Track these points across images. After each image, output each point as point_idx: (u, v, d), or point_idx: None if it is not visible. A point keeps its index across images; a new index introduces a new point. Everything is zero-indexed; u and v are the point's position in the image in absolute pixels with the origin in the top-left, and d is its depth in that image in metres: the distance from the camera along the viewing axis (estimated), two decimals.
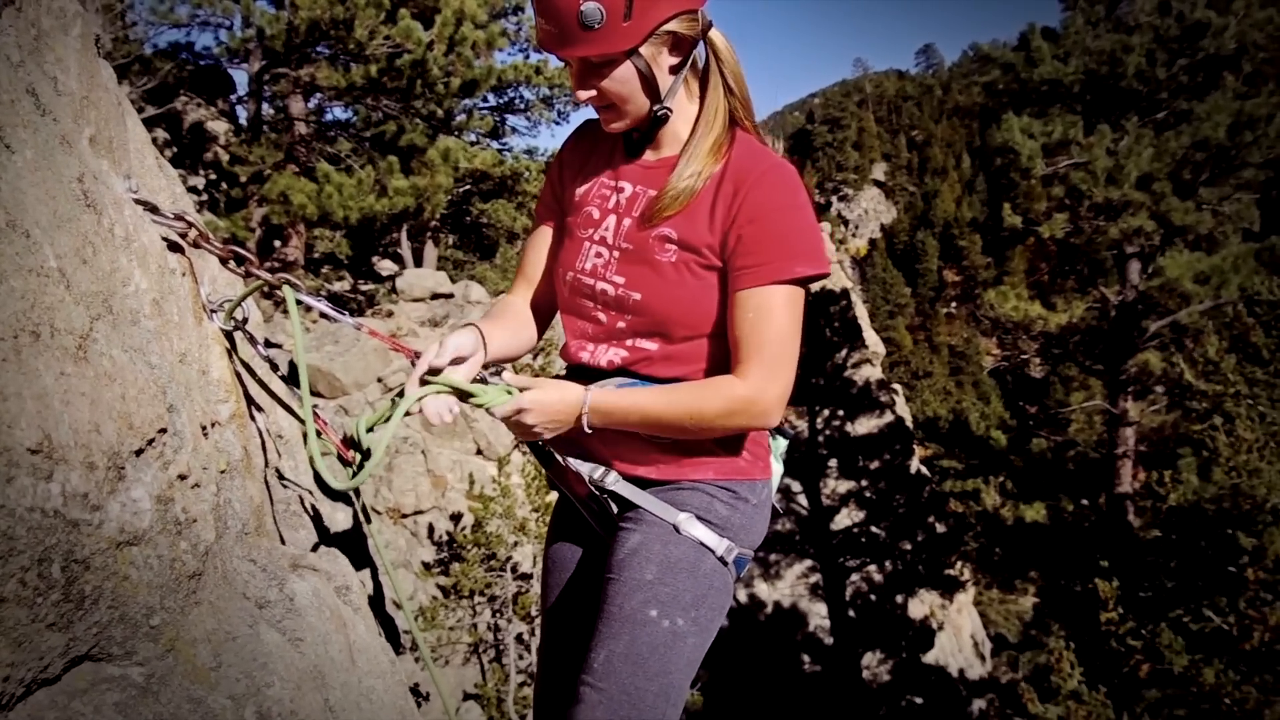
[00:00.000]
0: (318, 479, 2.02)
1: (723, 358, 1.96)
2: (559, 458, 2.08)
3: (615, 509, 2.07)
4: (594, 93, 1.91)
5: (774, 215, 1.88)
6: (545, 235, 2.25)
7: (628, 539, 2.00)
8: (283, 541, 2.18)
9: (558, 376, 2.16)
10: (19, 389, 1.24)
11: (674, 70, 1.93)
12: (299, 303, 2.04)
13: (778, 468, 2.26)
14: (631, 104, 1.93)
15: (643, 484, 2.04)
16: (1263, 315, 12.66)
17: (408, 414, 1.92)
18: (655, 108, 1.95)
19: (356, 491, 2.12)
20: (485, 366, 2.04)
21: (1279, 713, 8.60)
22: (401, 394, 2.20)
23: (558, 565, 2.30)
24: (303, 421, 2.49)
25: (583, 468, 2.05)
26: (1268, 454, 9.93)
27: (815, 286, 21.74)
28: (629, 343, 2.01)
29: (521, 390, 1.92)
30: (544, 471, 2.29)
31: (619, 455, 2.04)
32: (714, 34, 1.98)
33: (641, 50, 1.85)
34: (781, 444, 2.28)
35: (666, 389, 1.94)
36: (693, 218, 1.93)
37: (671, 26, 1.85)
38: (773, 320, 1.86)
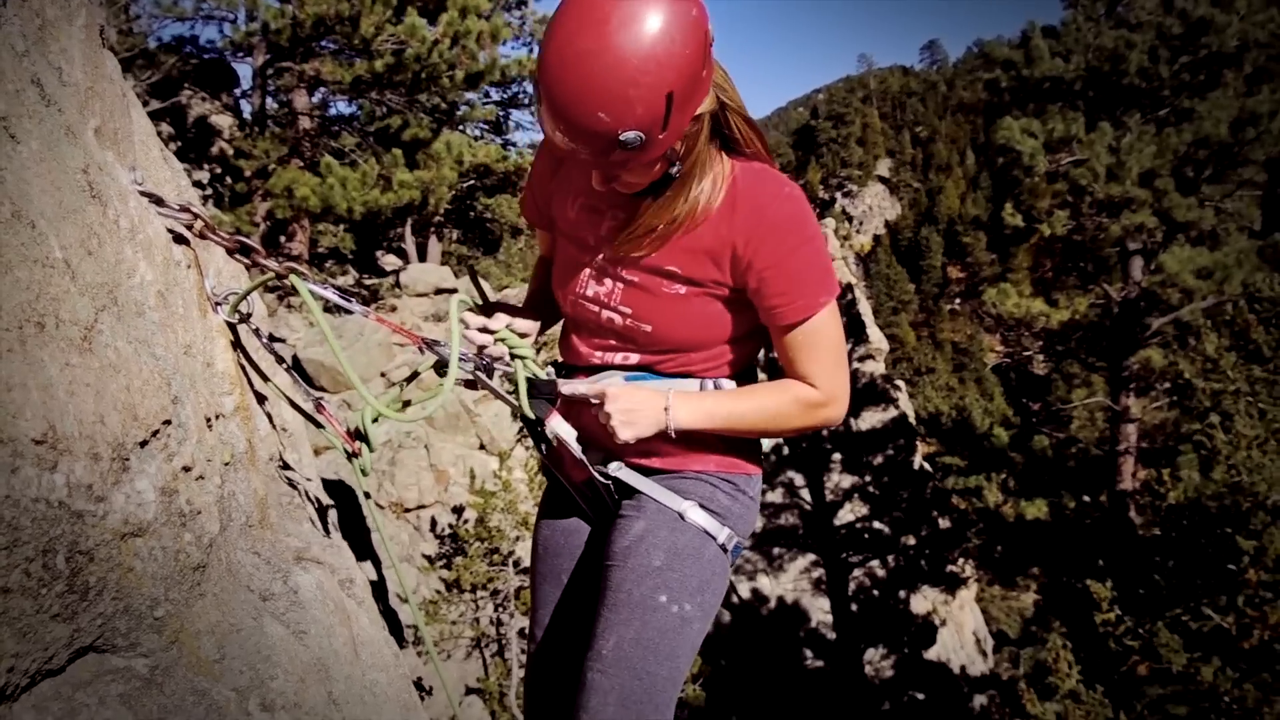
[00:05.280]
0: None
1: (742, 356, 2.04)
2: (561, 440, 2.08)
3: (616, 496, 2.10)
4: (623, 183, 1.85)
5: (793, 256, 1.87)
6: (544, 226, 2.26)
7: (631, 526, 2.02)
8: (294, 534, 2.18)
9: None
10: (24, 379, 1.24)
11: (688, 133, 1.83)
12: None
13: None
14: (651, 177, 1.85)
15: (645, 473, 2.07)
16: (1263, 312, 12.63)
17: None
18: (672, 169, 1.85)
19: (364, 472, 2.12)
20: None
21: (1278, 712, 8.59)
22: (412, 377, 2.21)
23: (549, 551, 2.31)
24: (305, 414, 2.50)
25: (589, 455, 2.07)
26: (1269, 450, 9.91)
27: None
28: (643, 356, 2.05)
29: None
30: (539, 455, 2.28)
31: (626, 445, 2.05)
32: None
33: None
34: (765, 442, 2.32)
35: (744, 392, 2.00)
36: (695, 255, 1.90)
37: (698, 110, 1.77)
38: (821, 340, 1.93)
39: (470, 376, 2.05)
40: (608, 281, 2.01)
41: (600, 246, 2.02)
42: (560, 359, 2.21)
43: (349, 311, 2.15)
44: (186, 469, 1.64)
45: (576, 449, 2.07)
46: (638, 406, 1.91)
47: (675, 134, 1.71)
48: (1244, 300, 13.67)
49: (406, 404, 2.20)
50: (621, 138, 1.63)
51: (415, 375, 2.19)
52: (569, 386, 1.96)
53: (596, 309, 2.03)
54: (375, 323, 2.16)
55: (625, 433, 1.90)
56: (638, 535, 2.00)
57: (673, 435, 1.94)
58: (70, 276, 1.43)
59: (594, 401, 1.94)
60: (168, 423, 1.59)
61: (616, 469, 2.06)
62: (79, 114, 1.67)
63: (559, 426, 2.06)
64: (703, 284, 1.92)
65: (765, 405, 1.97)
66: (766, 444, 2.37)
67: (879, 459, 20.36)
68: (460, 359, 2.03)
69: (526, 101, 21.74)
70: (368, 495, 2.28)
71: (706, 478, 2.06)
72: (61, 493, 1.27)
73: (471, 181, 20.24)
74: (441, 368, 2.05)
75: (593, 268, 2.03)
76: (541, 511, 2.38)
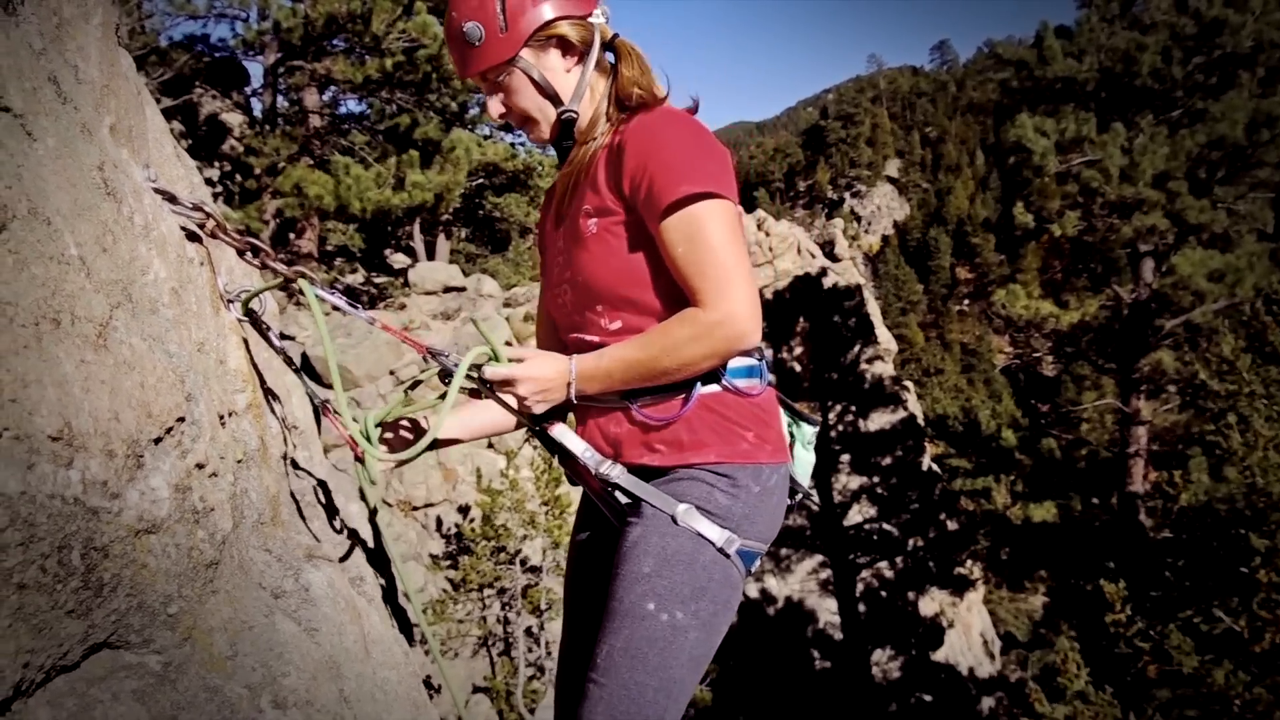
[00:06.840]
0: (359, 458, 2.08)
1: None
2: (568, 448, 2.07)
3: (623, 502, 2.06)
4: (502, 109, 2.07)
5: (662, 144, 1.89)
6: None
7: (630, 533, 1.98)
8: (305, 532, 2.19)
9: None
10: (40, 376, 1.24)
11: (569, 71, 2.04)
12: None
13: (807, 455, 2.27)
14: (537, 111, 2.05)
15: (646, 474, 2.02)
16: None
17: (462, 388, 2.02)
18: (560, 111, 2.04)
19: (372, 480, 2.13)
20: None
21: None
22: (412, 387, 2.22)
23: (578, 560, 2.31)
24: (314, 413, 2.50)
25: (589, 459, 2.05)
26: None
27: (828, 283, 21.72)
28: (599, 334, 2.05)
29: (519, 361, 1.99)
30: (560, 466, 2.31)
31: (623, 445, 2.04)
32: (620, 41, 2.09)
33: (525, 56, 1.98)
34: (809, 431, 2.27)
35: (638, 335, 1.96)
36: (596, 183, 1.99)
37: (555, 31, 1.98)
38: (705, 240, 1.84)
39: (475, 385, 2.04)
40: (561, 258, 2.11)
41: (560, 230, 2.14)
42: None
43: (356, 315, 2.18)
44: (200, 466, 1.64)
45: (577, 449, 2.06)
46: (546, 381, 1.98)
47: (516, 39, 1.96)
48: (1261, 302, 13.60)
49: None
50: (464, 28, 1.96)
51: (418, 383, 2.20)
52: (491, 370, 1.97)
53: (560, 289, 2.11)
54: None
55: (538, 406, 2.00)
56: (632, 542, 1.96)
57: (574, 398, 1.99)
58: (85, 273, 1.43)
59: (508, 387, 1.99)
60: (182, 420, 1.59)
61: (618, 474, 2.01)
62: (95, 111, 1.67)
63: (557, 429, 2.08)
64: (607, 209, 1.96)
65: (657, 331, 1.92)
66: None
67: (887, 460, 20.34)
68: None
69: None
70: (375, 506, 2.28)
71: (704, 475, 1.97)
72: (77, 489, 1.27)
73: (480, 180, 20.29)
74: (445, 377, 2.05)
75: (556, 253, 2.15)
76: (575, 521, 2.39)
